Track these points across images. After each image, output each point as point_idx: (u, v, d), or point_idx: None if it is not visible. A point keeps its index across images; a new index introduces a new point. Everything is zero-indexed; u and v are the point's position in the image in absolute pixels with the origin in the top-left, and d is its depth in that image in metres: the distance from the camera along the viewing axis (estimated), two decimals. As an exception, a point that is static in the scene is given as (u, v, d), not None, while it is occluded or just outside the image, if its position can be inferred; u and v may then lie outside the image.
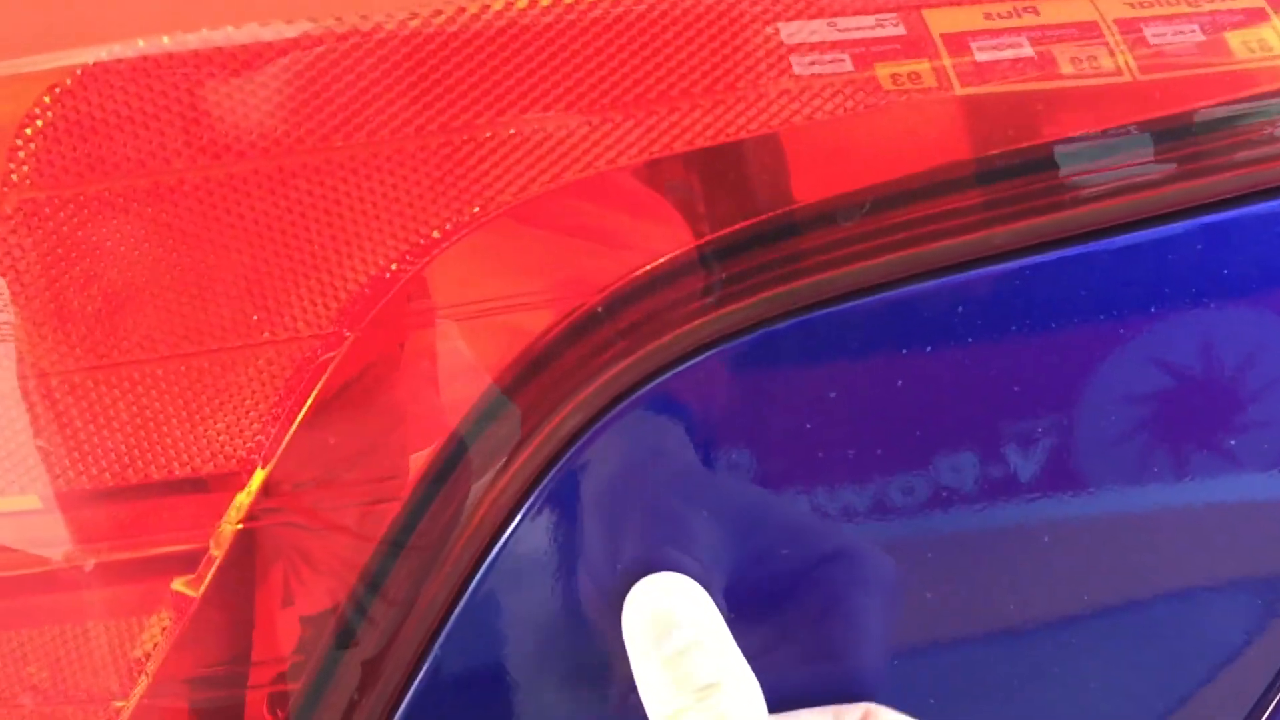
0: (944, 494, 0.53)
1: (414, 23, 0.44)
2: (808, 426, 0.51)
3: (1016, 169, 0.52)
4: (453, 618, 0.55)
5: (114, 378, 0.47)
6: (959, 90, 0.50)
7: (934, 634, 0.55)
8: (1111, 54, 0.52)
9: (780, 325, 0.50)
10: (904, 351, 0.51)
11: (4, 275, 0.45)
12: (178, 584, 0.51)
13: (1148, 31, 0.54)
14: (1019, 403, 0.53)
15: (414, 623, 0.53)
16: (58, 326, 0.46)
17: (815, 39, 0.49)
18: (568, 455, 0.53)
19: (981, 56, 0.51)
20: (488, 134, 0.46)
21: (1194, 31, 0.54)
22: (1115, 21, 0.54)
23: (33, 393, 0.48)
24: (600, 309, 0.49)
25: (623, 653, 0.50)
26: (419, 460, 0.51)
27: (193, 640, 0.51)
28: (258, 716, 0.54)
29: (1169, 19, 0.54)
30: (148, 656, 0.51)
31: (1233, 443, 0.55)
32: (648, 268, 0.49)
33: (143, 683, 0.51)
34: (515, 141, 0.47)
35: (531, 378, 0.49)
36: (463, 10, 0.45)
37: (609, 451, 0.54)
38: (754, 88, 0.48)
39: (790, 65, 0.49)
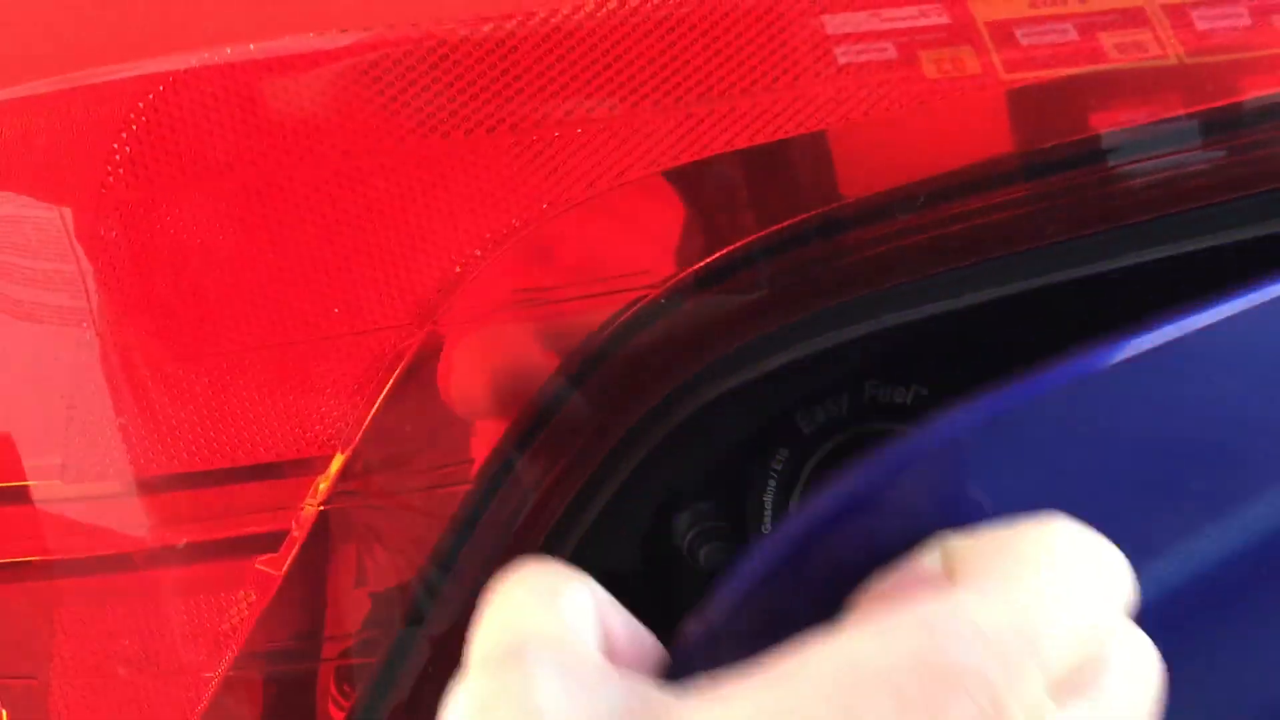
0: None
1: (486, 28, 0.46)
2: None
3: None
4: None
5: (202, 368, 0.50)
6: (1004, 76, 0.52)
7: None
8: (1158, 39, 0.53)
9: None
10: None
11: (101, 271, 0.47)
12: (261, 563, 0.53)
13: (1195, 15, 0.55)
14: None
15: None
16: (150, 319, 0.49)
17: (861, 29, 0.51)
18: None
19: (1026, 42, 0.52)
20: (556, 134, 0.48)
21: (1242, 16, 0.55)
22: (1161, 6, 0.55)
23: (125, 381, 0.50)
24: (662, 299, 0.51)
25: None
26: (489, 444, 0.53)
27: (272, 616, 0.54)
28: (330, 690, 0.56)
29: (1215, 3, 0.55)
30: (233, 631, 0.54)
31: None
32: (711, 259, 0.51)
33: (229, 655, 0.54)
34: (582, 140, 0.49)
35: (596, 367, 0.52)
36: (532, 14, 0.47)
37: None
38: (802, 83, 0.50)
39: (835, 57, 0.50)
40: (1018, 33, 0.52)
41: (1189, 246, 0.55)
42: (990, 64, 0.52)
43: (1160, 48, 0.53)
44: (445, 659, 0.56)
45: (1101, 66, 0.52)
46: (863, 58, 0.51)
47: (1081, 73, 0.52)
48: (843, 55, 0.50)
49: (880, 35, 0.51)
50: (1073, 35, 0.53)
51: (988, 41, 0.52)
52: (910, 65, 0.51)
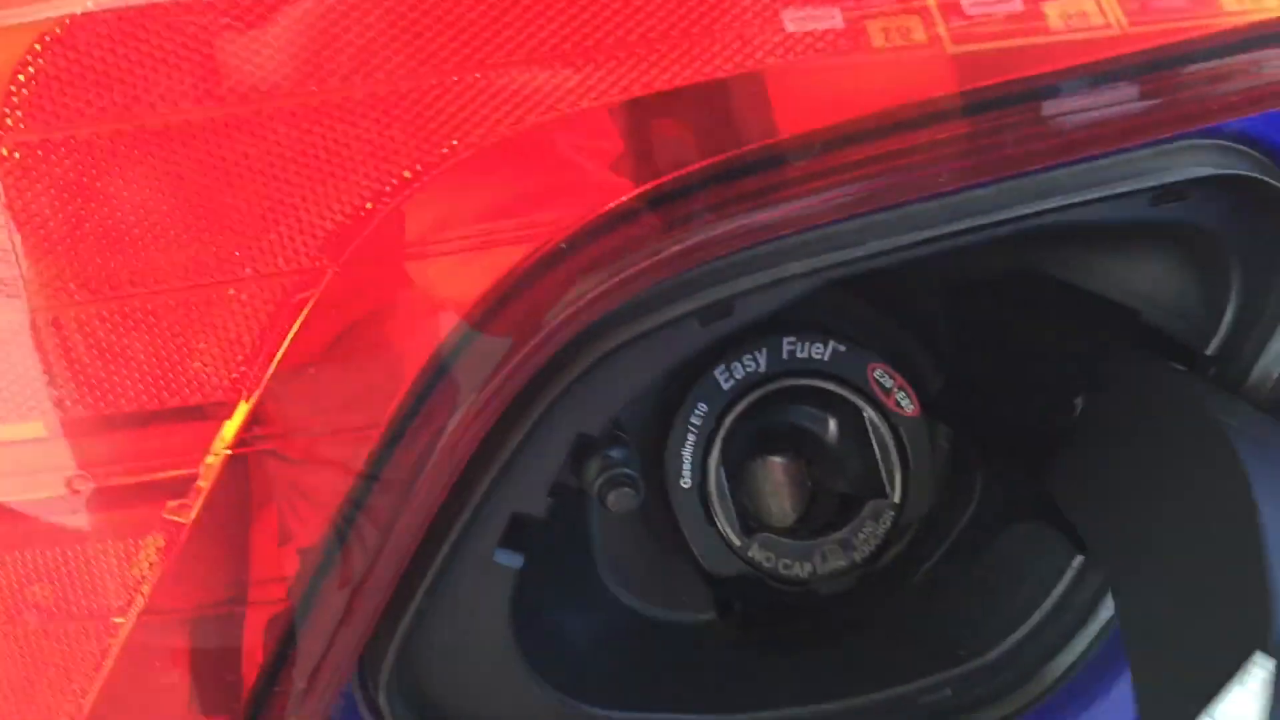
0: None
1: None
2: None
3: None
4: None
5: (108, 311, 0.50)
6: (950, 48, 0.53)
7: None
8: (1101, 9, 0.54)
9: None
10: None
11: (3, 212, 0.48)
12: (169, 509, 0.54)
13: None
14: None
15: (391, 553, 0.56)
16: (55, 262, 0.49)
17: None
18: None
19: (973, 12, 0.53)
20: (454, 78, 0.49)
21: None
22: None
23: (35, 325, 0.50)
24: (565, 245, 0.51)
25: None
26: (396, 393, 0.54)
27: (189, 564, 0.54)
28: (251, 639, 0.57)
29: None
30: (144, 577, 0.54)
31: None
32: (612, 204, 0.52)
33: (140, 602, 0.54)
34: (482, 86, 0.49)
35: (499, 313, 0.52)
36: (431, -39, 0.48)
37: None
38: (738, 36, 0.50)
39: (782, 21, 0.51)
40: (964, 2, 0.53)
41: (1079, 198, 0.56)
42: (936, 35, 0.53)
43: (1102, 15, 0.54)
44: (358, 609, 0.57)
45: (1048, 37, 0.53)
46: (808, 25, 0.51)
47: (1028, 43, 0.53)
48: (790, 23, 0.51)
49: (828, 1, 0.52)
50: (1018, 6, 0.54)
51: (935, 13, 0.52)
52: (857, 34, 0.52)
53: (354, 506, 0.55)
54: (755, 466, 0.78)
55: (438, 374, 0.53)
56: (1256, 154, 0.59)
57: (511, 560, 0.60)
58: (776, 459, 0.78)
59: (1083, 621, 0.68)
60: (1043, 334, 0.74)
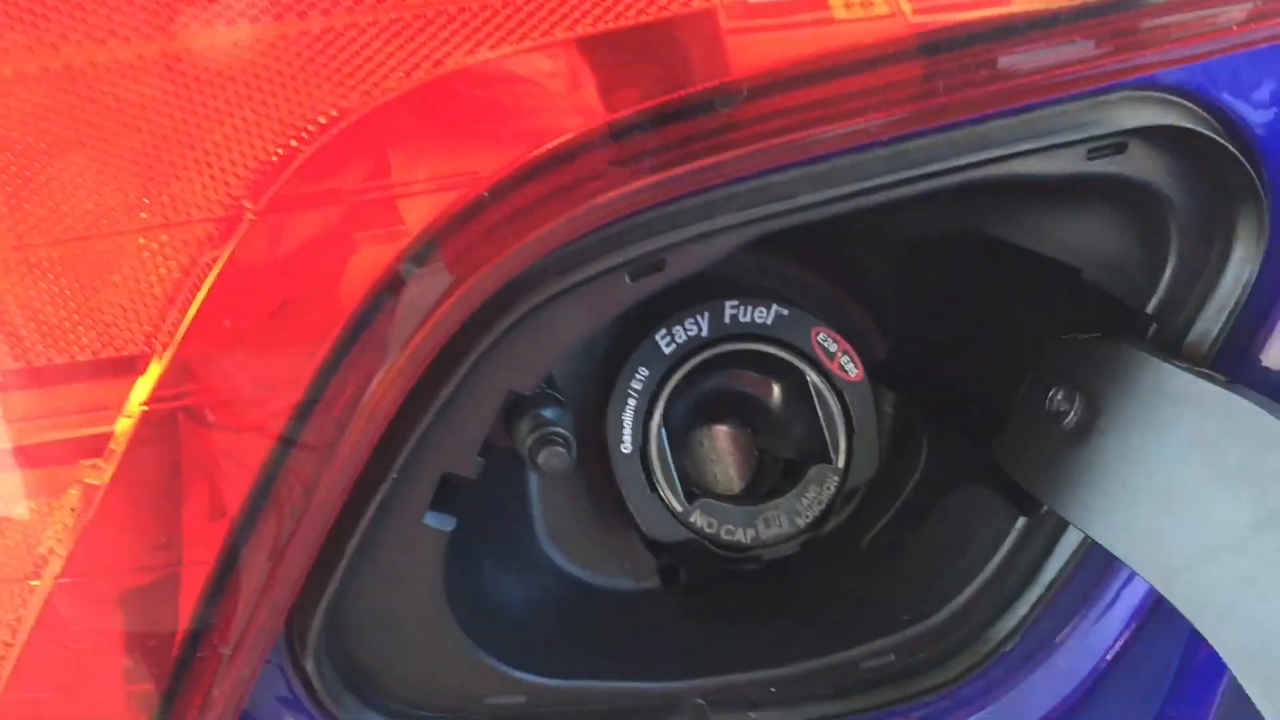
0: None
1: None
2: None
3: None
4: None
5: (13, 261, 0.48)
6: (911, 19, 0.52)
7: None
8: None
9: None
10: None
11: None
12: (85, 468, 0.52)
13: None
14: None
15: (316, 514, 0.54)
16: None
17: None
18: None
19: None
20: (374, 19, 0.48)
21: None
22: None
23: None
24: (489, 194, 0.50)
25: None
26: (318, 348, 0.52)
27: (107, 526, 0.53)
28: (173, 604, 0.55)
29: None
30: (60, 540, 0.53)
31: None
32: (536, 153, 0.50)
33: (55, 565, 0.53)
34: (405, 26, 0.48)
35: (424, 263, 0.51)
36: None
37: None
38: None
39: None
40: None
41: (1015, 149, 0.55)
42: (898, 7, 0.52)
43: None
44: (284, 572, 0.56)
45: (1009, 9, 0.53)
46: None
47: (991, 14, 0.52)
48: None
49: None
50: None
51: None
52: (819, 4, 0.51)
53: (276, 466, 0.53)
54: (699, 435, 0.77)
55: (360, 326, 0.52)
56: (1195, 107, 0.58)
57: (442, 523, 0.59)
58: (721, 427, 0.77)
59: (1026, 584, 0.67)
60: (988, 299, 0.74)
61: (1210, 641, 0.53)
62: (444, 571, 0.61)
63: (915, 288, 0.76)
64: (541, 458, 0.57)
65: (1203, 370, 0.59)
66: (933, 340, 0.77)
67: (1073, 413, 0.62)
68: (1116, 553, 0.58)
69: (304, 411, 0.53)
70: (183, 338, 0.50)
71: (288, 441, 0.53)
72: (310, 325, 0.52)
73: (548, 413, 0.59)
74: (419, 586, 0.60)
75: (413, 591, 0.60)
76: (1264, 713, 0.51)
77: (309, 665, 0.59)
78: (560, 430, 0.58)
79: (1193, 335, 0.62)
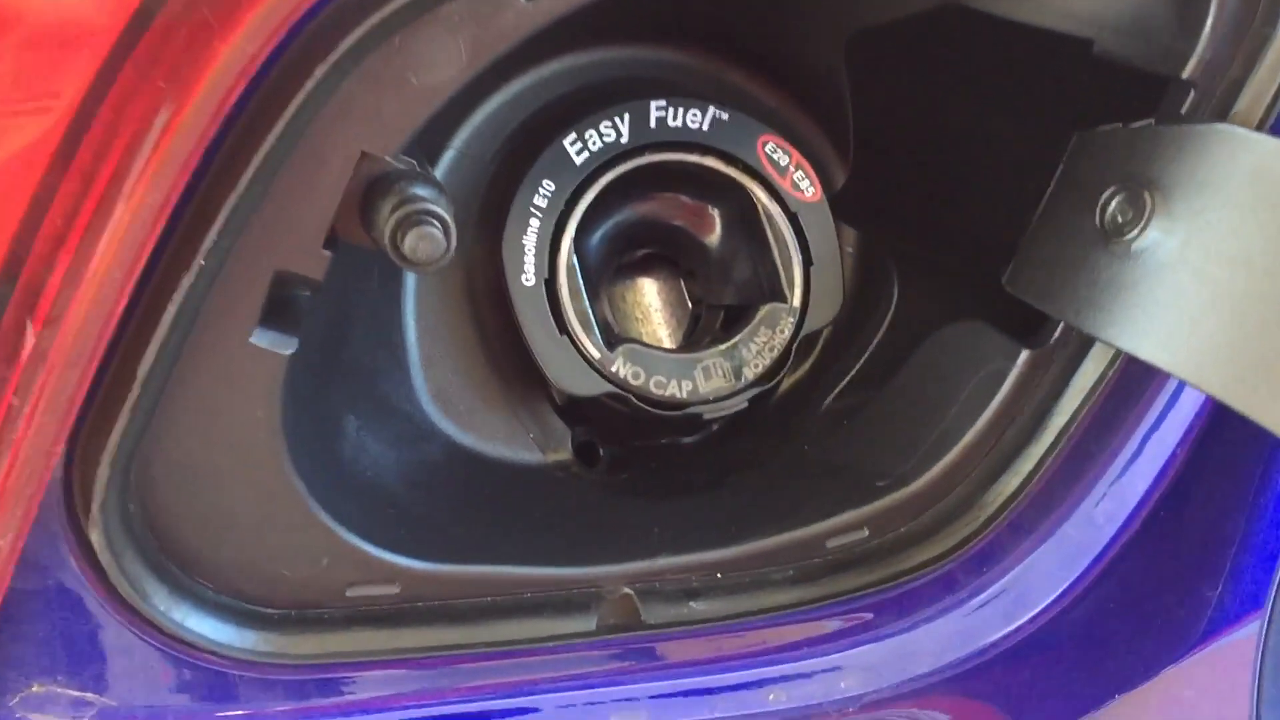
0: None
1: None
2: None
3: None
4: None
5: None
6: None
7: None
8: None
9: None
10: None
11: None
12: None
13: None
14: None
15: (81, 309, 0.39)
16: None
17: None
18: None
19: None
20: None
21: None
22: None
23: None
24: None
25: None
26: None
27: None
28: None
29: None
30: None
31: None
32: None
33: None
34: None
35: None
36: None
37: None
38: None
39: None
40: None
41: None
42: None
43: None
44: (42, 398, 0.40)
45: None
46: None
47: None
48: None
49: None
50: None
51: None
52: None
53: (28, 231, 0.38)
54: (620, 288, 0.63)
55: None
56: None
57: (278, 343, 0.44)
58: (646, 279, 0.64)
59: (1032, 433, 0.54)
60: (974, 100, 0.60)
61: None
62: (284, 416, 0.46)
63: (879, 94, 0.62)
64: (409, 242, 0.42)
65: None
66: (903, 160, 0.63)
67: (1143, 220, 0.49)
68: (1190, 378, 0.45)
69: (62, 150, 0.37)
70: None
71: (43, 190, 0.38)
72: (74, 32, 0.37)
73: (419, 189, 0.44)
74: (248, 432, 0.45)
75: (240, 439, 0.45)
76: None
77: (95, 535, 0.43)
78: (434, 207, 0.43)
79: (1242, 102, 0.49)
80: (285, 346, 0.45)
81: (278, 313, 0.44)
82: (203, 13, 0.37)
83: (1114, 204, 0.50)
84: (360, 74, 0.41)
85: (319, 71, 0.40)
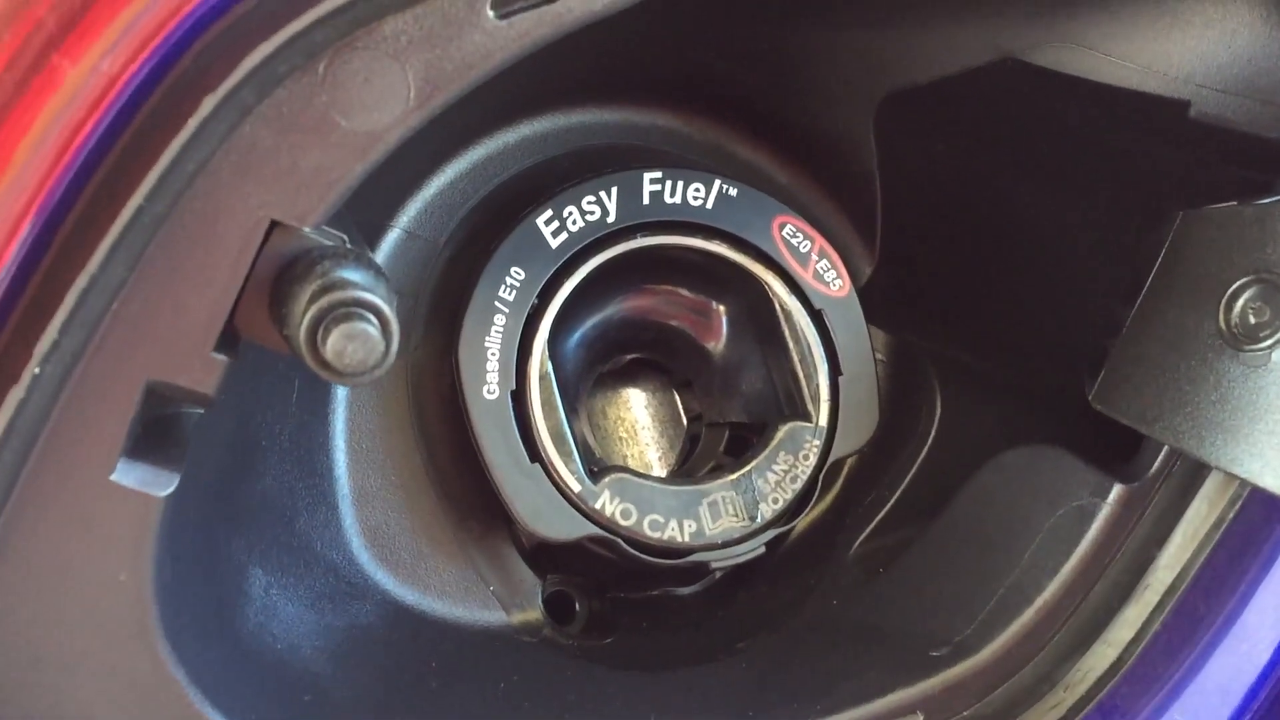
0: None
1: None
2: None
3: None
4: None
5: None
6: None
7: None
8: None
9: None
10: None
11: None
12: None
13: None
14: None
15: None
16: None
17: None
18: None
19: None
20: None
21: None
22: None
23: None
24: None
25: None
26: None
27: None
28: None
29: None
30: None
31: None
32: None
33: None
34: None
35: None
36: None
37: None
38: None
39: None
40: None
41: None
42: None
43: None
44: None
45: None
46: None
47: None
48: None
49: None
50: None
51: None
52: None
53: None
54: (603, 404, 0.54)
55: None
56: None
57: (149, 481, 0.33)
58: (634, 389, 0.55)
59: (1128, 592, 0.44)
60: (1030, 173, 0.51)
61: None
62: (158, 578, 0.34)
63: (913, 167, 0.53)
64: (333, 342, 0.30)
65: None
66: (942, 247, 0.54)
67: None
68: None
69: None
70: None
71: None
72: None
73: (348, 273, 0.33)
74: (107, 603, 0.34)
75: (96, 612, 0.34)
76: None
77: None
78: (368, 296, 0.32)
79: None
80: (160, 485, 0.33)
81: (152, 439, 0.34)
82: (39, 14, 0.26)
83: (1242, 300, 0.42)
84: (268, 111, 0.30)
85: (208, 104, 0.29)
